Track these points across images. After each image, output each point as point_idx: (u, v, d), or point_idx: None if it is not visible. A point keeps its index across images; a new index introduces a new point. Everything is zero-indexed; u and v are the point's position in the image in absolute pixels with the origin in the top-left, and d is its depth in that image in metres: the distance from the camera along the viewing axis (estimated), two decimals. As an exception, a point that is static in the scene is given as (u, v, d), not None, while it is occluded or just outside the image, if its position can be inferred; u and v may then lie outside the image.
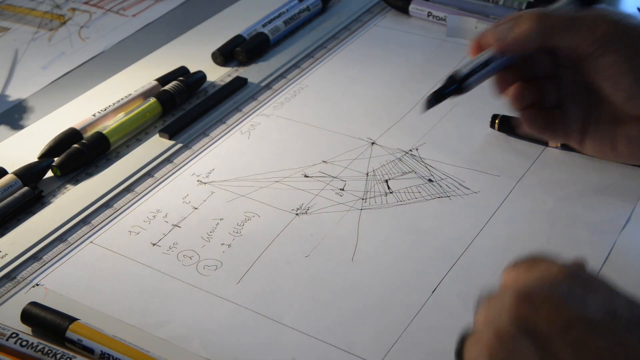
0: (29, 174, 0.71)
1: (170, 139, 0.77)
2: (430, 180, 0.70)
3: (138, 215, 0.68)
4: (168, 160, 0.75)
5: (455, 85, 0.54)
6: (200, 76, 0.84)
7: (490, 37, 0.55)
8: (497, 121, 0.74)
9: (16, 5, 1.04)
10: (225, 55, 0.88)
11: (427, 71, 0.85)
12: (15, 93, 0.87)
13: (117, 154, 0.76)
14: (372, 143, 0.75)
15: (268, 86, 0.84)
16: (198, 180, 0.72)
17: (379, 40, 0.91)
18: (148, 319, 0.58)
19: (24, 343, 0.55)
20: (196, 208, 0.69)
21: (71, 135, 0.76)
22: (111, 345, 0.55)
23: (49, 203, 0.70)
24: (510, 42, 0.54)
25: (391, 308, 0.58)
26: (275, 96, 0.83)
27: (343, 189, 0.70)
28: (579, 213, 0.65)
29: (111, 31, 0.97)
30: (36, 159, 0.74)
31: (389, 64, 0.86)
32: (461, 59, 0.84)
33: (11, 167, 0.72)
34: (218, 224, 0.67)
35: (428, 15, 0.94)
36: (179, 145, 0.76)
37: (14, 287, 0.62)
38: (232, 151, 0.75)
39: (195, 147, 0.76)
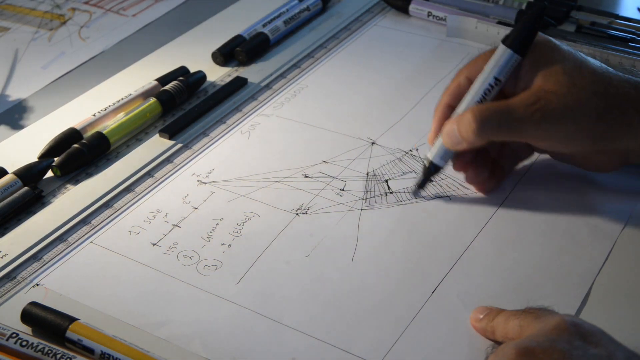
0: (29, 174, 0.71)
1: (170, 139, 0.77)
2: (430, 180, 0.69)
3: (138, 215, 0.68)
4: (168, 160, 0.75)
5: (432, 172, 0.66)
6: (200, 76, 0.84)
7: (443, 138, 0.64)
8: None
9: (16, 5, 1.04)
10: (225, 55, 0.88)
11: (427, 71, 0.85)
12: (15, 93, 0.87)
13: (117, 154, 0.76)
14: (372, 143, 0.75)
15: (268, 86, 0.84)
16: (198, 180, 0.72)
17: (379, 40, 0.91)
18: (148, 319, 0.58)
19: (24, 343, 0.55)
20: (196, 208, 0.69)
21: (71, 135, 0.76)
22: (111, 345, 0.55)
23: (49, 203, 0.70)
24: (457, 145, 0.63)
25: (391, 308, 0.58)
26: (275, 96, 0.83)
27: (343, 189, 0.70)
28: (579, 213, 0.65)
29: (111, 31, 0.97)
30: (36, 159, 0.74)
31: (389, 64, 0.86)
32: (461, 59, 0.84)
33: (11, 167, 0.72)
34: (218, 224, 0.67)
35: (428, 15, 0.94)
36: (179, 145, 0.76)
37: (14, 287, 0.62)
38: (232, 151, 0.75)
39: (195, 147, 0.76)
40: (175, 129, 0.78)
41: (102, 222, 0.68)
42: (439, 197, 0.68)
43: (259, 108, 0.81)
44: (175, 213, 0.68)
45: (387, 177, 0.71)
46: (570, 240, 0.63)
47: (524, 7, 0.91)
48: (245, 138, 0.77)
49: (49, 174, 0.73)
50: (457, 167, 0.67)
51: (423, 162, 0.67)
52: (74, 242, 0.66)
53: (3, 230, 0.67)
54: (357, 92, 0.82)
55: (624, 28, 0.88)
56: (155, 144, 0.77)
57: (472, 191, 0.68)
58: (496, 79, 0.63)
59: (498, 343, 0.53)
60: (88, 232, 0.67)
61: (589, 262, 0.61)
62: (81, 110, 0.81)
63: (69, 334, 0.56)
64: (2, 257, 0.64)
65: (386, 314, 0.58)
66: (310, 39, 0.92)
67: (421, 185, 0.67)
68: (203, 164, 0.74)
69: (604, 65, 0.62)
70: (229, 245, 0.64)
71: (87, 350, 0.55)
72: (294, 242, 0.64)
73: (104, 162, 0.75)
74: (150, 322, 0.58)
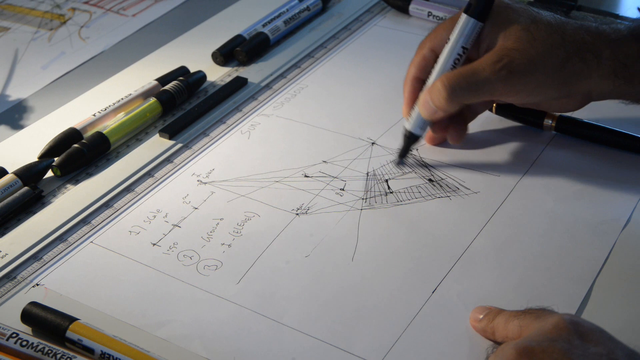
0: (29, 174, 0.71)
1: (170, 139, 0.77)
2: (430, 180, 0.70)
3: (138, 215, 0.68)
4: (168, 160, 0.75)
5: (412, 141, 0.70)
6: (200, 76, 0.84)
7: (420, 109, 0.68)
8: (494, 105, 0.76)
9: (16, 5, 1.04)
10: (225, 55, 0.88)
11: (427, 71, 0.85)
12: (15, 93, 0.87)
13: (117, 154, 0.76)
14: (372, 143, 0.75)
15: (268, 86, 0.84)
16: (198, 180, 0.72)
17: (379, 40, 0.91)
18: (148, 319, 0.58)
19: (24, 343, 0.55)
20: (196, 208, 0.69)
21: (71, 135, 0.76)
22: (111, 345, 0.55)
23: (49, 203, 0.70)
24: (434, 115, 0.67)
25: (391, 308, 0.58)
26: (275, 96, 0.83)
27: (343, 189, 0.70)
28: (579, 213, 0.65)
29: (111, 31, 0.97)
30: (36, 159, 0.74)
31: (389, 64, 0.86)
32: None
33: (11, 167, 0.72)
34: (218, 224, 0.67)
35: (428, 15, 0.94)
36: (179, 145, 0.76)
37: (14, 287, 0.62)
38: (232, 151, 0.75)
39: (195, 147, 0.76)
40: (175, 129, 0.78)
41: (102, 222, 0.68)
42: (439, 197, 0.68)
43: (259, 108, 0.81)
44: (175, 213, 0.68)
45: (387, 177, 0.71)
46: (570, 240, 0.63)
47: (524, 7, 0.91)
48: (245, 138, 0.77)
49: (49, 174, 0.73)
50: (435, 131, 0.72)
51: (403, 133, 0.70)
52: (74, 242, 0.66)
53: (3, 230, 0.67)
54: (357, 92, 0.82)
55: (624, 28, 0.88)
56: (155, 144, 0.77)
57: (472, 191, 0.68)
58: (463, 47, 0.66)
59: (498, 343, 0.53)
60: (88, 232, 0.67)
61: (589, 262, 0.61)
62: (81, 110, 0.81)
63: (69, 334, 0.56)
64: (2, 257, 0.64)
65: (386, 314, 0.58)
66: (310, 39, 0.92)
67: (402, 154, 0.71)
68: (203, 164, 0.74)
69: (556, 15, 0.67)
70: (229, 245, 0.64)
71: (87, 350, 0.55)
72: (294, 242, 0.64)
73: (104, 162, 0.75)
74: (150, 322, 0.58)
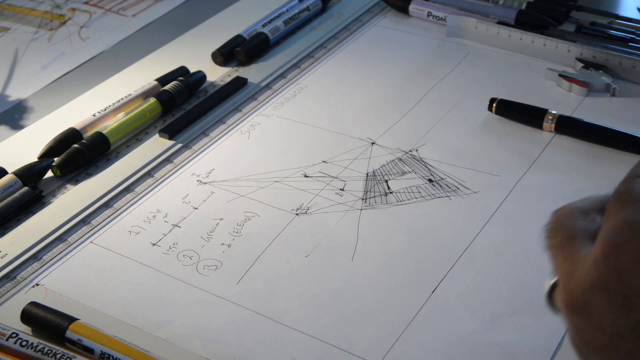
0: (29, 174, 0.71)
1: (170, 139, 0.77)
2: (430, 180, 0.70)
3: (138, 215, 0.68)
4: (168, 160, 0.75)
5: None
6: (200, 76, 0.84)
7: None
8: (494, 105, 0.76)
9: (16, 5, 1.04)
10: (225, 55, 0.88)
11: (427, 71, 0.85)
12: (15, 93, 0.87)
13: (117, 154, 0.76)
14: (372, 143, 0.75)
15: (268, 86, 0.84)
16: (198, 180, 0.72)
17: (379, 40, 0.91)
18: (148, 319, 0.58)
19: (24, 343, 0.55)
20: (196, 208, 0.69)
21: (71, 135, 0.76)
22: (111, 345, 0.55)
23: (49, 203, 0.70)
24: None
25: (391, 308, 0.58)
26: (275, 96, 0.83)
27: (343, 189, 0.70)
28: (579, 213, 0.65)
29: (111, 31, 0.97)
30: (36, 159, 0.74)
31: (389, 64, 0.86)
32: (461, 59, 0.84)
33: (11, 167, 0.72)
34: (218, 224, 0.67)
35: (428, 15, 0.93)
36: (179, 145, 0.76)
37: (14, 287, 0.62)
38: (232, 151, 0.75)
39: (195, 147, 0.76)
40: (175, 129, 0.78)
41: (102, 222, 0.68)
42: (438, 197, 0.68)
43: (259, 108, 0.81)
44: (175, 213, 0.68)
45: (387, 177, 0.71)
46: (570, 240, 0.63)
47: (523, 7, 0.91)
48: (245, 138, 0.77)
49: (49, 174, 0.73)
50: None
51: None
52: (74, 242, 0.66)
53: (3, 230, 0.67)
54: (357, 92, 0.82)
55: (624, 28, 0.88)
56: (155, 144, 0.77)
57: (472, 191, 0.68)
58: None
59: None
60: (88, 232, 0.67)
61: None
62: (81, 110, 0.81)
63: (69, 334, 0.56)
64: (2, 257, 0.64)
65: (386, 314, 0.58)
66: (310, 39, 0.92)
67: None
68: (203, 164, 0.74)
69: None
70: (229, 245, 0.64)
71: (87, 350, 0.55)
72: (294, 242, 0.64)
73: (104, 162, 0.75)
74: (150, 322, 0.58)
